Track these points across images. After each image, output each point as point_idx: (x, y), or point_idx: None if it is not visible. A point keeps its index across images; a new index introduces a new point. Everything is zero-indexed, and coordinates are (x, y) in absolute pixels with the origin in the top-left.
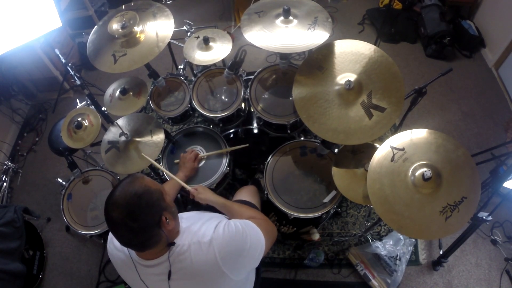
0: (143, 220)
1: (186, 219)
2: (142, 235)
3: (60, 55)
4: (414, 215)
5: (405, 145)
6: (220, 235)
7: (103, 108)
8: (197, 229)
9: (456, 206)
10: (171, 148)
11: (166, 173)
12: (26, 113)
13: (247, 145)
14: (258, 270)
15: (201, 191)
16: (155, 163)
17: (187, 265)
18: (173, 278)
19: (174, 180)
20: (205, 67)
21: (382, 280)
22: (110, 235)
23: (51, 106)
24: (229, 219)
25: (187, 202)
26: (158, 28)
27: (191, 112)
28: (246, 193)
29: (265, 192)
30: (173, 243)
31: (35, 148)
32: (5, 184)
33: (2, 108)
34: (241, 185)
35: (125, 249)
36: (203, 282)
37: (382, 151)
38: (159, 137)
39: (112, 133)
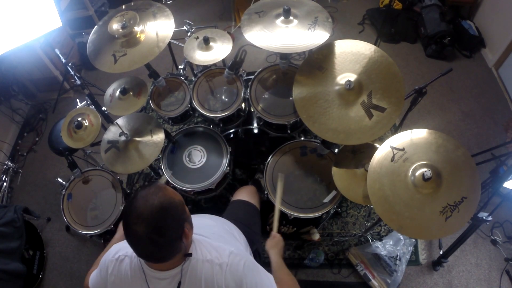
0: (169, 235)
1: (197, 227)
2: (166, 249)
3: (60, 55)
4: (414, 215)
5: (405, 145)
6: (235, 265)
7: (103, 108)
8: (212, 246)
9: (456, 206)
10: (171, 148)
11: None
12: (26, 113)
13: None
14: None
15: (279, 241)
16: None
17: (196, 281)
18: None
19: None
20: (205, 67)
21: (382, 280)
22: (94, 271)
23: (51, 106)
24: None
25: (187, 202)
26: (158, 28)
27: (191, 112)
28: (245, 193)
29: (265, 192)
30: (190, 254)
31: (35, 148)
32: (5, 184)
33: (2, 108)
34: (241, 185)
35: (135, 265)
36: None
37: (382, 151)
38: (159, 137)
39: (112, 133)
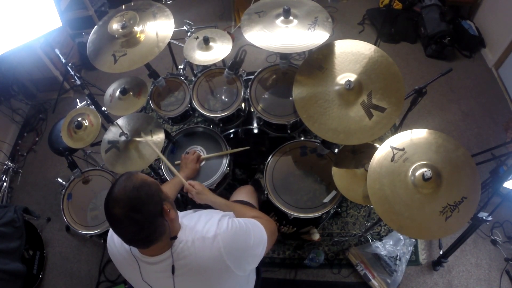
0: (146, 211)
1: (187, 217)
2: (148, 227)
3: (60, 55)
4: (414, 215)
5: (405, 145)
6: (224, 230)
7: (103, 108)
8: (200, 225)
9: (456, 206)
10: (171, 148)
11: (167, 163)
12: (26, 113)
13: (248, 147)
14: (258, 270)
15: (200, 190)
16: (159, 153)
17: (191, 261)
18: (178, 274)
19: (175, 180)
20: (205, 67)
21: (382, 280)
22: (110, 233)
23: (51, 106)
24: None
25: (187, 202)
26: (158, 28)
27: (191, 112)
28: (243, 193)
29: (265, 192)
30: (176, 237)
31: (35, 148)
32: (5, 184)
33: (2, 108)
34: (241, 185)
35: (127, 247)
36: (207, 277)
37: (382, 151)
38: (159, 137)
39: (112, 133)
